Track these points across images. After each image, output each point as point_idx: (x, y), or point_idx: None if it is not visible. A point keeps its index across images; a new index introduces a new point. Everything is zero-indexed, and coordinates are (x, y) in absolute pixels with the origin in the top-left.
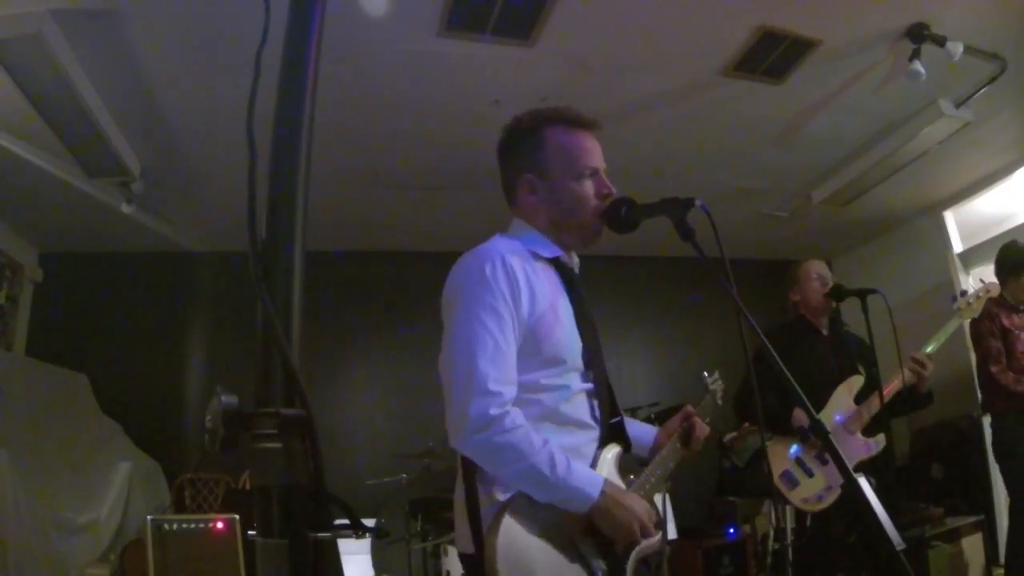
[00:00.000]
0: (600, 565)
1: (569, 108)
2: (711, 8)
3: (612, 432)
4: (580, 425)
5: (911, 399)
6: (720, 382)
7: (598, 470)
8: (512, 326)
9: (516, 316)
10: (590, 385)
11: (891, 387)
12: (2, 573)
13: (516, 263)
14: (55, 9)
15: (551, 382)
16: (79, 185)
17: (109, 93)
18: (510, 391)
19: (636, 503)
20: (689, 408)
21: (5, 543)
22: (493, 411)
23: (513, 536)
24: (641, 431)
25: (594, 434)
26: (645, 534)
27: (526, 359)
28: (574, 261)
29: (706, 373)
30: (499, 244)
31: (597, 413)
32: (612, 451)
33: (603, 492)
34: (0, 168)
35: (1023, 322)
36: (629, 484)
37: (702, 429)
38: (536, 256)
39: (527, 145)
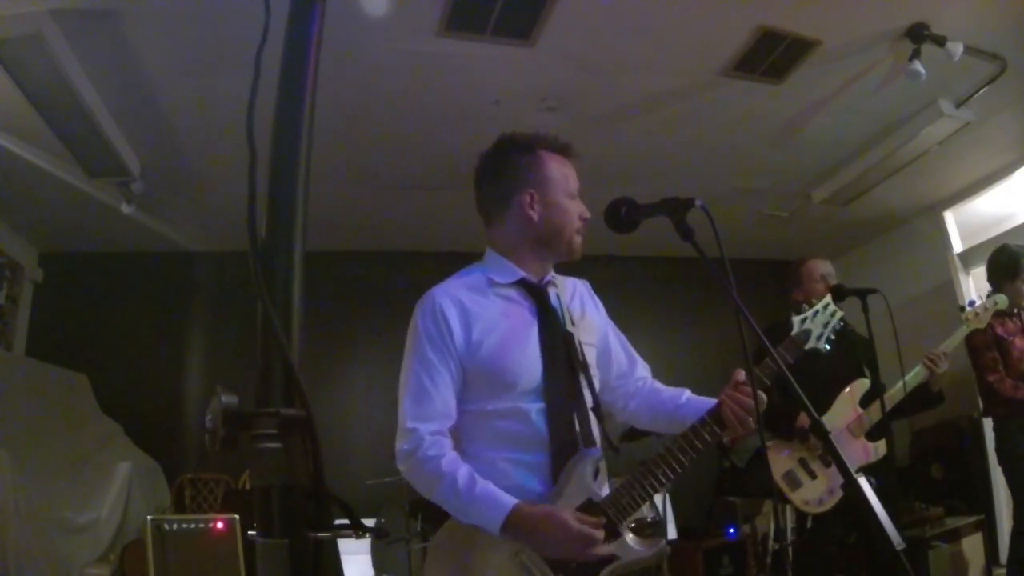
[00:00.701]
0: None
1: (554, 136)
2: (711, 8)
3: (589, 441)
4: (541, 443)
5: (922, 397)
6: (828, 313)
7: (561, 482)
8: (443, 365)
9: (448, 354)
10: (549, 404)
11: (892, 399)
12: (2, 573)
13: (448, 303)
14: (55, 9)
15: (499, 407)
16: (79, 185)
17: (109, 93)
18: (428, 426)
19: (557, 527)
20: (739, 373)
21: (5, 543)
22: (405, 446)
23: (447, 545)
24: (698, 408)
25: (563, 447)
26: (581, 556)
27: (475, 388)
28: (548, 276)
29: (807, 305)
30: (441, 285)
31: (560, 430)
32: (583, 459)
33: (510, 516)
34: (0, 168)
35: (1016, 328)
36: (609, 493)
37: (737, 403)
38: (493, 283)
39: (525, 161)
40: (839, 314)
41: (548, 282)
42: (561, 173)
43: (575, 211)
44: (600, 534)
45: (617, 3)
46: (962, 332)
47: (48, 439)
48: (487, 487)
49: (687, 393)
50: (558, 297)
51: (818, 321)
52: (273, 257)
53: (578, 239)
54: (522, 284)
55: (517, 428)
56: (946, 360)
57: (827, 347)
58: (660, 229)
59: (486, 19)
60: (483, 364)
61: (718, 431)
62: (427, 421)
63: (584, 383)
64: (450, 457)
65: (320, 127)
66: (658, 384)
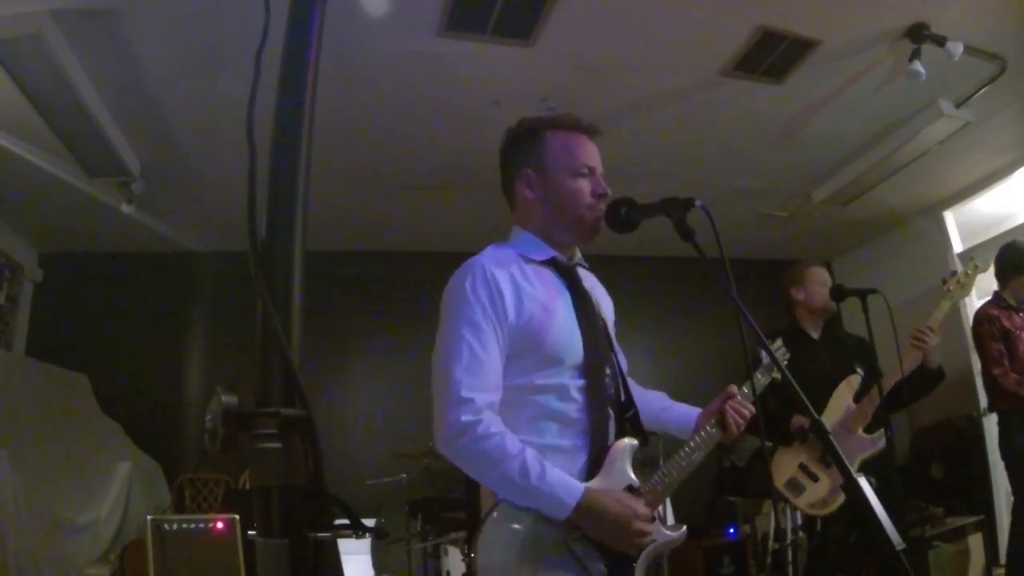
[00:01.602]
0: (599, 568)
1: (570, 114)
2: (711, 8)
3: (624, 426)
4: (581, 423)
5: (922, 378)
6: (779, 354)
7: (607, 467)
8: (494, 335)
9: (500, 324)
10: (590, 381)
11: (890, 381)
12: (2, 573)
13: (499, 272)
14: (55, 9)
15: (547, 382)
16: (79, 185)
17: (109, 93)
18: (484, 397)
19: (625, 508)
20: (732, 388)
21: (5, 543)
22: (465, 418)
23: (496, 536)
24: (684, 414)
25: (598, 432)
26: (637, 538)
27: (521, 361)
28: (576, 259)
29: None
30: (485, 255)
31: (601, 409)
32: (625, 445)
33: (581, 500)
34: (0, 168)
35: (1023, 322)
36: (645, 479)
37: (736, 413)
38: (528, 260)
39: (528, 144)
40: (788, 355)
41: (577, 264)
42: (564, 150)
43: (581, 188)
44: (654, 520)
45: (617, 3)
46: (947, 304)
47: (48, 439)
48: (557, 470)
49: (667, 398)
50: (587, 283)
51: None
52: (273, 257)
53: (589, 215)
54: (553, 263)
55: (559, 406)
56: (934, 334)
57: (778, 378)
58: (660, 229)
59: (486, 19)
60: (532, 335)
61: (722, 432)
62: (483, 391)
63: (617, 370)
64: (512, 436)
65: (320, 127)
66: (635, 383)
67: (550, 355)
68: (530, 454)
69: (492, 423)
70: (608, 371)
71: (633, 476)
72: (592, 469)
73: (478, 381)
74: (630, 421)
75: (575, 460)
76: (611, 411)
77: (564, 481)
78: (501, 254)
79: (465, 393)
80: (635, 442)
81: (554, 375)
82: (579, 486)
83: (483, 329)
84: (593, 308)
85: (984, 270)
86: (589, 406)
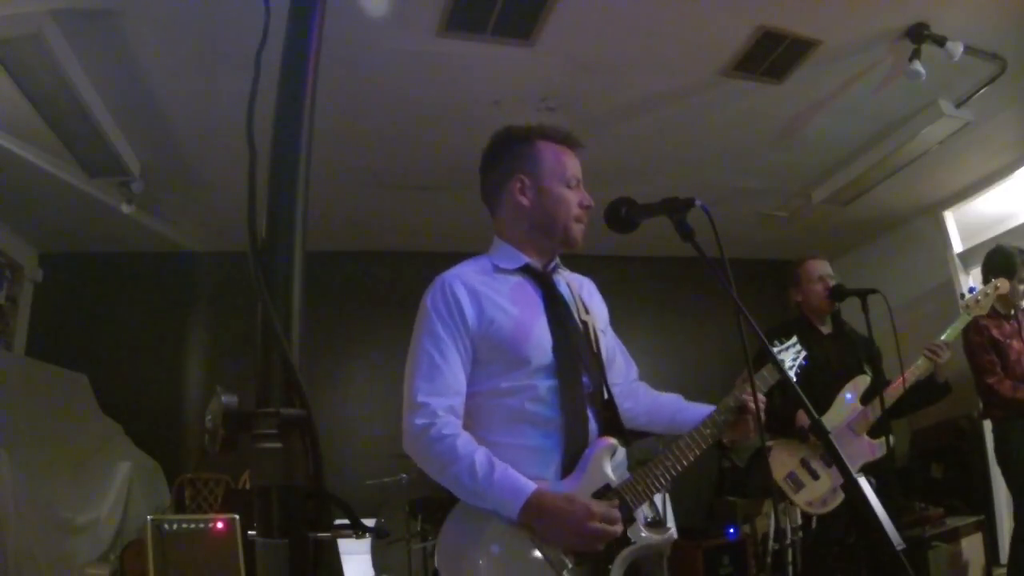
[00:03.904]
0: (564, 562)
1: (557, 127)
2: (711, 8)
3: (607, 426)
4: (555, 423)
5: (928, 389)
6: (795, 351)
7: (582, 466)
8: (453, 343)
9: (459, 332)
10: (562, 382)
11: (895, 386)
12: (2, 573)
13: (459, 283)
14: (55, 9)
15: (516, 384)
16: (79, 185)
17: (109, 93)
18: (440, 402)
19: (577, 508)
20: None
21: (5, 543)
22: (418, 421)
23: (457, 533)
24: (698, 414)
25: (573, 431)
26: (593, 538)
27: (490, 366)
28: (552, 265)
29: (777, 341)
30: (452, 270)
31: (576, 409)
32: (604, 445)
33: (530, 500)
34: (0, 168)
35: (1012, 330)
36: (627, 480)
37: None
38: (500, 269)
39: (519, 149)
40: (803, 353)
41: (553, 269)
42: (556, 161)
43: (571, 199)
44: (619, 519)
45: (617, 3)
46: (963, 320)
47: (48, 439)
48: (506, 471)
49: (682, 399)
50: (568, 286)
51: (789, 354)
52: (273, 257)
53: (577, 227)
54: (527, 270)
55: (529, 407)
56: (948, 349)
57: (794, 379)
58: (660, 229)
59: (486, 19)
60: (495, 339)
61: (724, 428)
62: (439, 396)
63: (598, 371)
64: (465, 438)
65: (320, 127)
66: (649, 387)
67: (516, 357)
68: (480, 455)
69: (445, 426)
70: (585, 372)
71: (611, 475)
72: (567, 468)
73: (434, 386)
74: (611, 421)
75: (549, 460)
76: (589, 411)
77: (513, 482)
78: (470, 267)
79: (421, 398)
80: (613, 441)
81: (523, 377)
82: (528, 488)
83: (442, 338)
84: (567, 311)
85: (1005, 291)
86: (562, 406)
